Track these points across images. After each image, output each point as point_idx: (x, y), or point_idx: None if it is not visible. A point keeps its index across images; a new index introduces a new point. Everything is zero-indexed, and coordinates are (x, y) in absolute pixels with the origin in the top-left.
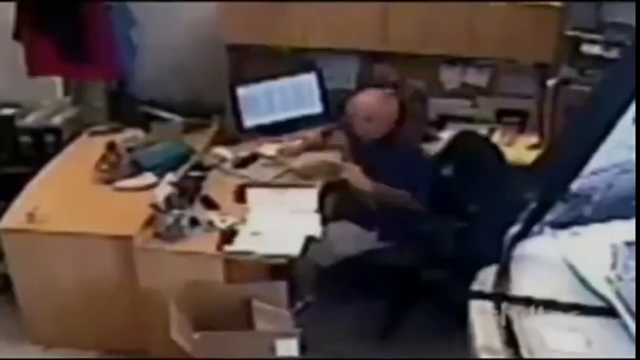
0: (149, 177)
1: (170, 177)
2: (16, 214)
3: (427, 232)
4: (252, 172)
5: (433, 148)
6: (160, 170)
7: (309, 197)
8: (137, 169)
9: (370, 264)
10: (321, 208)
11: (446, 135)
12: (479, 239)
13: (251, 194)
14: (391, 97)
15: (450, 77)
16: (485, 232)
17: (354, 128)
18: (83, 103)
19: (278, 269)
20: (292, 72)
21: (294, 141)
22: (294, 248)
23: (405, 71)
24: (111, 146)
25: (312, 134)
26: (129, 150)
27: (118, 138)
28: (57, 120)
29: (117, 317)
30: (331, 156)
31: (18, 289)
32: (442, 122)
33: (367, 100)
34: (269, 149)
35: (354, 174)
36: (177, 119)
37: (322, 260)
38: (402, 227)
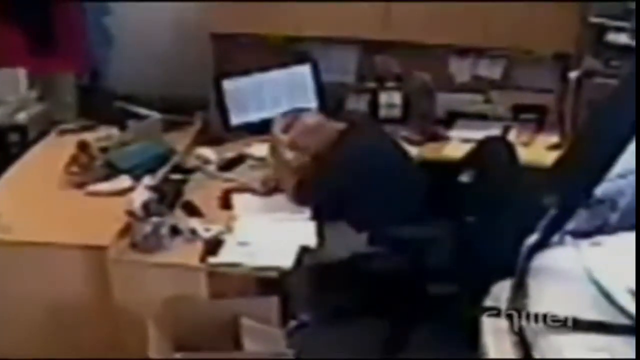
0: (124, 181)
1: (148, 180)
2: None
3: (420, 238)
4: (239, 175)
5: (442, 149)
6: (137, 173)
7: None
8: (111, 171)
9: (361, 270)
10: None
11: (455, 133)
12: (484, 248)
13: (237, 199)
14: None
15: (460, 69)
16: (493, 242)
17: None
18: (51, 98)
19: (268, 282)
20: (284, 64)
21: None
22: (286, 260)
23: (410, 63)
24: (83, 146)
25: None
26: (103, 150)
27: (90, 137)
28: (21, 117)
29: (89, 336)
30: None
31: None
32: (451, 119)
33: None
34: (258, 149)
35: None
36: (155, 115)
37: (315, 269)
38: (393, 230)
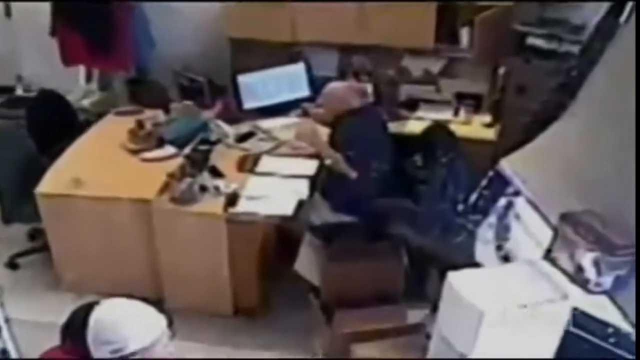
0: (169, 149)
1: (187, 150)
2: (55, 180)
3: (377, 211)
4: (251, 145)
5: (404, 126)
6: (180, 143)
7: (300, 165)
8: (160, 142)
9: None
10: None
11: (421, 114)
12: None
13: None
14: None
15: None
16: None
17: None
18: (108, 89)
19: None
20: (284, 63)
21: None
22: (287, 210)
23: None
24: (139, 123)
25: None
26: (155, 125)
27: (141, 117)
28: (86, 102)
29: (139, 269)
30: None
31: (53, 245)
32: (414, 104)
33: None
34: (265, 125)
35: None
36: (201, 79)
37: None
38: (354, 202)
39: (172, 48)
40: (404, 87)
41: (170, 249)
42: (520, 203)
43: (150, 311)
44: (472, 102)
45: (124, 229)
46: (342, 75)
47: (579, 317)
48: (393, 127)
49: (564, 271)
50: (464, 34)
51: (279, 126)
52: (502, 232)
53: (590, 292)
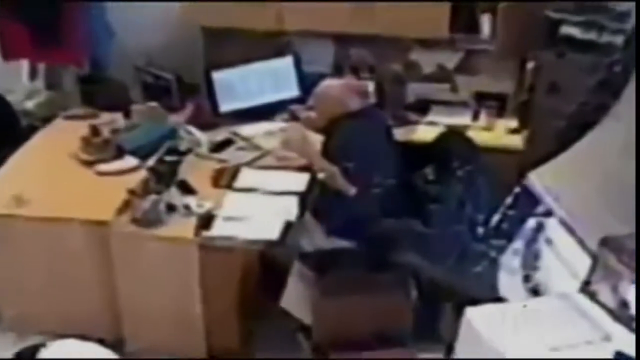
0: (130, 160)
1: (152, 162)
2: None
3: (380, 235)
4: (228, 156)
5: (412, 133)
6: (142, 153)
7: (288, 179)
8: (119, 152)
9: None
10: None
11: (433, 118)
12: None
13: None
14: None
15: (425, 60)
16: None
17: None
18: (56, 88)
19: (256, 255)
20: (268, 56)
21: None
22: (272, 233)
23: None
24: (94, 129)
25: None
26: (113, 132)
27: (96, 122)
28: (30, 104)
29: (93, 304)
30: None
31: None
32: (424, 106)
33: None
34: (245, 132)
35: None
36: (169, 77)
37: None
38: (353, 224)
39: (134, 39)
40: (412, 86)
41: (132, 280)
42: (552, 225)
43: (106, 355)
44: (495, 104)
45: (75, 256)
46: (338, 72)
47: None
48: (399, 133)
49: (605, 307)
50: (485, 22)
51: (262, 133)
52: (531, 260)
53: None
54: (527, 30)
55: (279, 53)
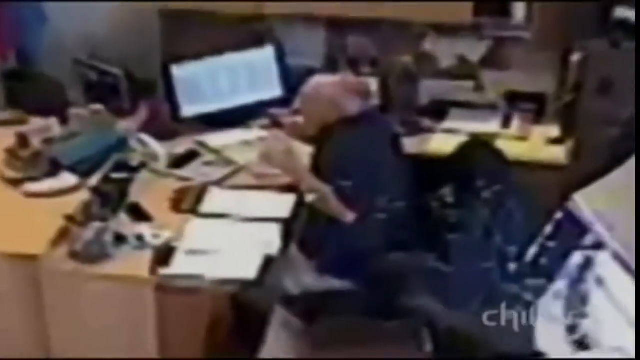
0: (68, 178)
1: (95, 180)
2: None
3: (385, 273)
4: (192, 172)
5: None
6: (84, 169)
7: (269, 202)
8: (55, 167)
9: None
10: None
11: (452, 124)
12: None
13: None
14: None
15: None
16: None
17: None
18: None
19: (228, 299)
20: (243, 47)
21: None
22: (248, 271)
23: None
24: (22, 139)
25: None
26: (46, 142)
27: (25, 129)
28: None
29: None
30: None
31: None
32: (441, 108)
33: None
34: (213, 142)
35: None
36: (116, 72)
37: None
38: (351, 260)
39: (72, 25)
40: (426, 84)
41: (69, 330)
42: (603, 260)
43: None
44: (531, 107)
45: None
46: (331, 66)
47: None
48: (410, 144)
49: None
50: (519, 4)
51: (235, 143)
52: (577, 305)
53: None
54: (571, 14)
55: (257, 42)
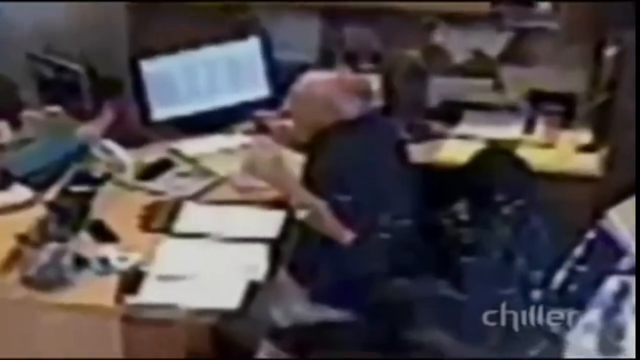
0: (20, 191)
1: (52, 194)
2: None
3: (389, 302)
4: (164, 184)
5: (436, 151)
6: (39, 181)
7: (254, 220)
8: (5, 179)
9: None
10: None
11: (467, 129)
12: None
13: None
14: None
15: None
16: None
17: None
18: None
19: (207, 331)
20: (223, 39)
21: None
22: (230, 299)
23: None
24: None
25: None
26: None
27: None
28: None
29: None
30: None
31: None
32: (454, 111)
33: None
34: (189, 150)
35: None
36: (77, 68)
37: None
38: (349, 286)
39: (25, 15)
40: (436, 82)
41: None
42: None
43: None
44: (559, 108)
45: None
46: (326, 61)
47: None
48: (418, 152)
49: None
50: None
51: (214, 151)
52: (612, 338)
53: None
54: (605, 1)
55: (240, 34)
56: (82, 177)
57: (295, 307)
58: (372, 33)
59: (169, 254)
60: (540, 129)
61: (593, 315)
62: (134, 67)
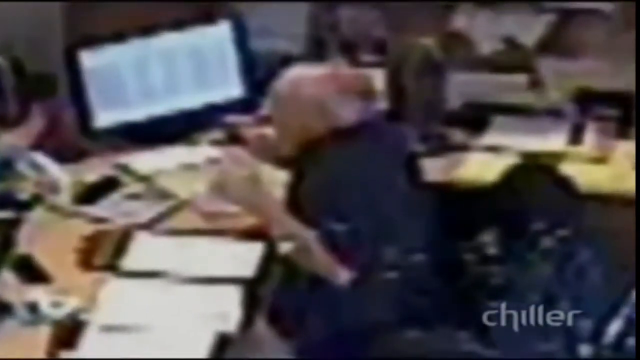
0: None
1: None
2: None
3: (399, 358)
4: (109, 209)
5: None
6: None
7: (225, 254)
8: None
9: None
10: None
11: (496, 139)
12: None
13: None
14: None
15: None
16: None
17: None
18: None
19: None
20: (187, 24)
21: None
22: (194, 356)
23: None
24: None
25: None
26: None
27: None
28: None
29: None
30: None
31: None
32: (480, 115)
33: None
34: (140, 165)
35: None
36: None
37: None
38: (347, 341)
39: None
40: (457, 79)
41: None
42: None
43: None
44: (613, 112)
45: None
46: (317, 52)
47: None
48: (434, 168)
49: None
50: None
51: (173, 167)
52: None
53: None
54: None
55: (207, 18)
56: (4, 200)
57: None
58: (374, 16)
59: (116, 299)
60: (589, 138)
61: None
62: (71, 60)
